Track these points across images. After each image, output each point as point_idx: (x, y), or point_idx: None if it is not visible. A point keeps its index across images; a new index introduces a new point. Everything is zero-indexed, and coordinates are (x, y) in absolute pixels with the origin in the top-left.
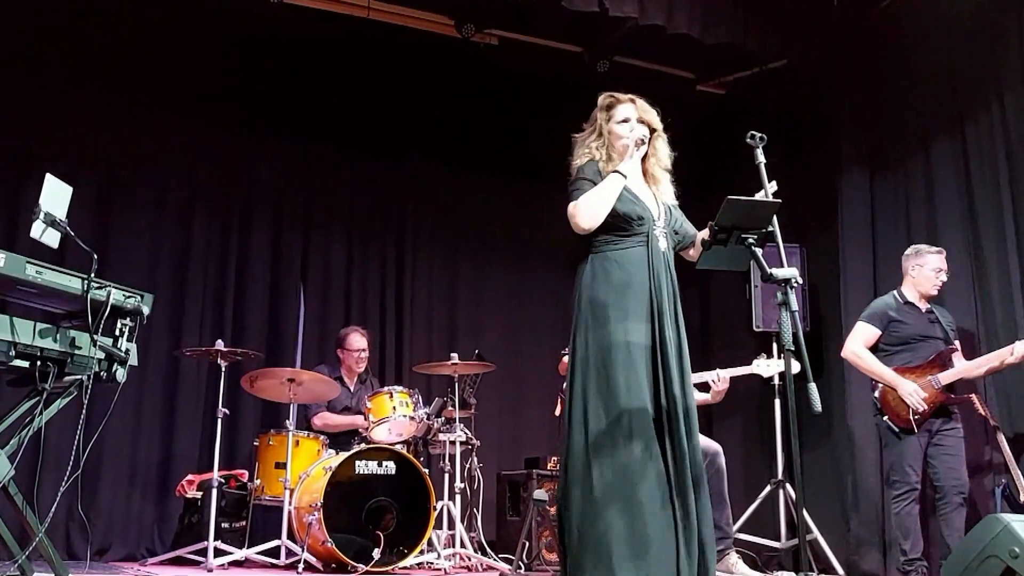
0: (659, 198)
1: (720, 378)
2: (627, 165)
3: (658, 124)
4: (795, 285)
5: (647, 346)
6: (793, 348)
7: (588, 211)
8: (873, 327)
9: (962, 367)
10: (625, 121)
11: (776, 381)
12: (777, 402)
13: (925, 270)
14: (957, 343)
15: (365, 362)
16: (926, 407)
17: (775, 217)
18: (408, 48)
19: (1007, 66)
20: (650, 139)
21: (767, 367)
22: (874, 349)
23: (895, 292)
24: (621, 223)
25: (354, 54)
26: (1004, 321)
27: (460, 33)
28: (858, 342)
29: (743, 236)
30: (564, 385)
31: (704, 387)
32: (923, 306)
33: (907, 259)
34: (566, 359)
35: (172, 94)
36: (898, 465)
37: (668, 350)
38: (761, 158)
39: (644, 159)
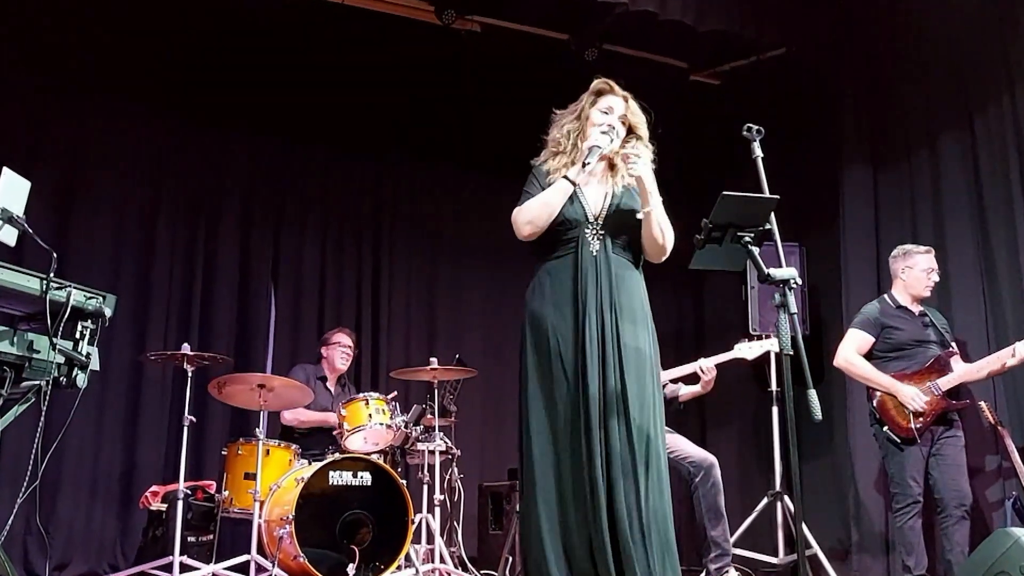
0: (610, 188)
1: (705, 368)
2: (577, 171)
3: (644, 132)
4: (794, 286)
5: (574, 346)
6: (792, 353)
7: (527, 218)
8: (866, 334)
9: (962, 371)
10: (607, 111)
11: (773, 387)
12: (775, 410)
13: (916, 271)
14: (954, 346)
15: (350, 360)
16: (928, 408)
17: (773, 214)
18: (385, 35)
19: (1018, 55)
20: (627, 140)
21: (750, 349)
22: (869, 357)
23: (885, 296)
24: (551, 230)
25: (327, 42)
26: (1015, 321)
27: (440, 19)
28: (850, 349)
29: (739, 234)
30: None
31: (692, 379)
32: (916, 309)
33: (895, 261)
34: None
35: (135, 85)
36: (899, 477)
37: (587, 345)
38: (758, 152)
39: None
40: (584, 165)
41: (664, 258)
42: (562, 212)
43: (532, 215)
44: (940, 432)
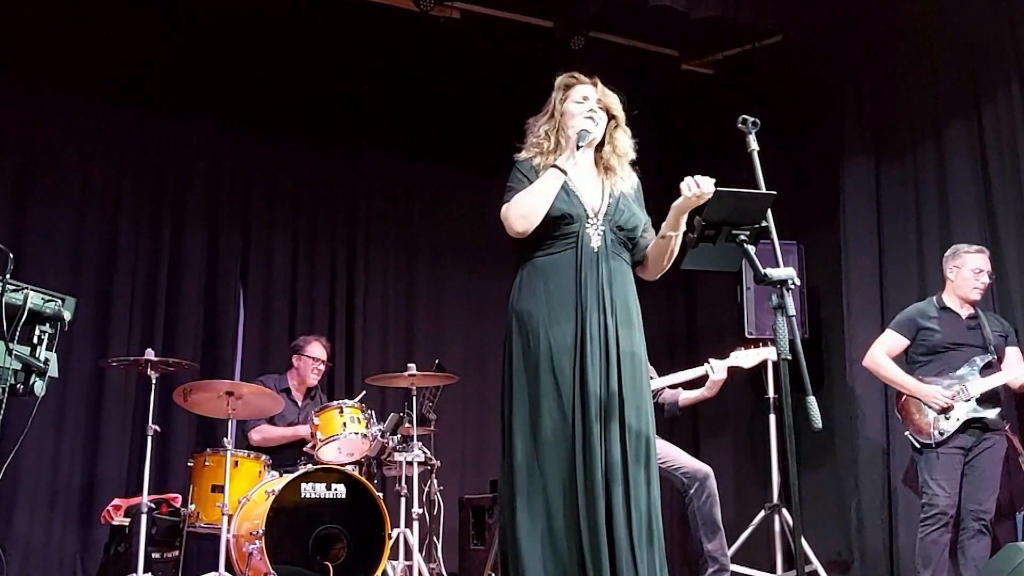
0: (606, 187)
1: (716, 368)
2: (567, 160)
3: (619, 112)
4: (792, 287)
5: (571, 346)
6: (790, 357)
7: (521, 212)
8: (899, 335)
9: (997, 378)
10: (583, 100)
11: (770, 394)
12: (772, 418)
13: (963, 271)
14: (1011, 350)
15: (321, 375)
16: (947, 403)
17: (770, 211)
18: (360, 22)
19: None
20: (608, 128)
21: (746, 357)
22: (906, 360)
23: (934, 297)
24: (547, 224)
25: (298, 28)
26: None
27: (418, 6)
28: (880, 350)
29: (734, 232)
30: None
31: (691, 384)
32: (964, 312)
33: (945, 261)
34: None
35: (95, 74)
36: (925, 485)
37: (587, 342)
38: (754, 145)
39: (599, 147)
40: (578, 147)
41: (656, 278)
42: (558, 206)
43: (526, 209)
44: (975, 442)
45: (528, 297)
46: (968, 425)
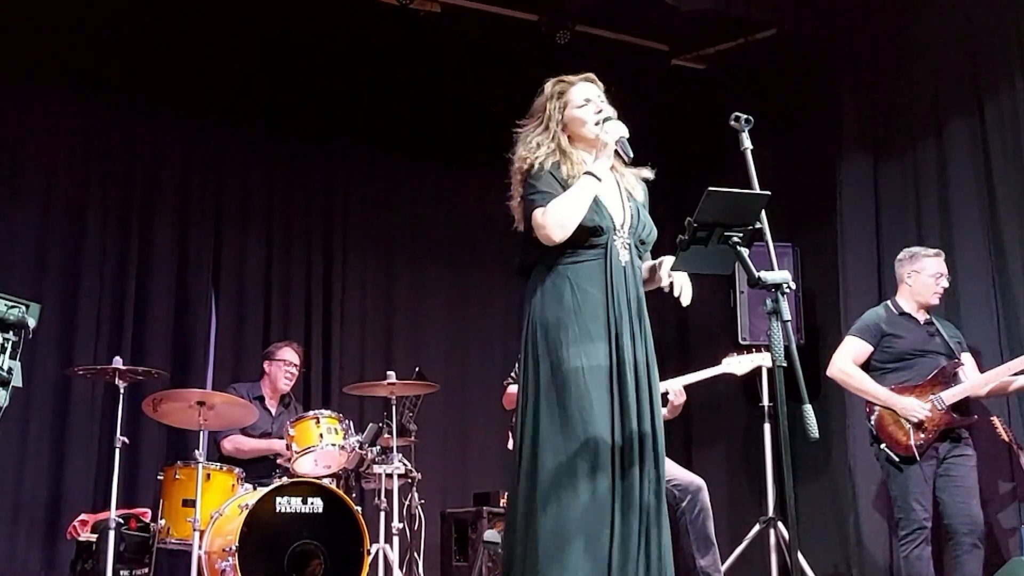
0: (624, 194)
1: (675, 391)
2: (601, 165)
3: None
4: (787, 291)
5: (606, 368)
6: (785, 364)
7: (560, 220)
8: (864, 342)
9: (968, 384)
10: (586, 103)
11: (765, 403)
12: (767, 427)
13: (923, 276)
14: (966, 356)
15: (293, 381)
16: (927, 416)
17: (764, 212)
18: (339, 16)
19: None
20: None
21: (739, 364)
22: (867, 368)
23: (888, 303)
24: (576, 234)
25: (274, 22)
26: None
27: (398, 0)
28: (846, 358)
29: (727, 234)
30: (513, 418)
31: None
32: (922, 317)
33: (901, 264)
34: (511, 389)
35: (61, 71)
36: (902, 501)
37: (626, 372)
38: (747, 143)
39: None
40: (623, 157)
41: None
42: (589, 216)
43: (564, 217)
44: (947, 451)
45: (555, 305)
46: (945, 435)
